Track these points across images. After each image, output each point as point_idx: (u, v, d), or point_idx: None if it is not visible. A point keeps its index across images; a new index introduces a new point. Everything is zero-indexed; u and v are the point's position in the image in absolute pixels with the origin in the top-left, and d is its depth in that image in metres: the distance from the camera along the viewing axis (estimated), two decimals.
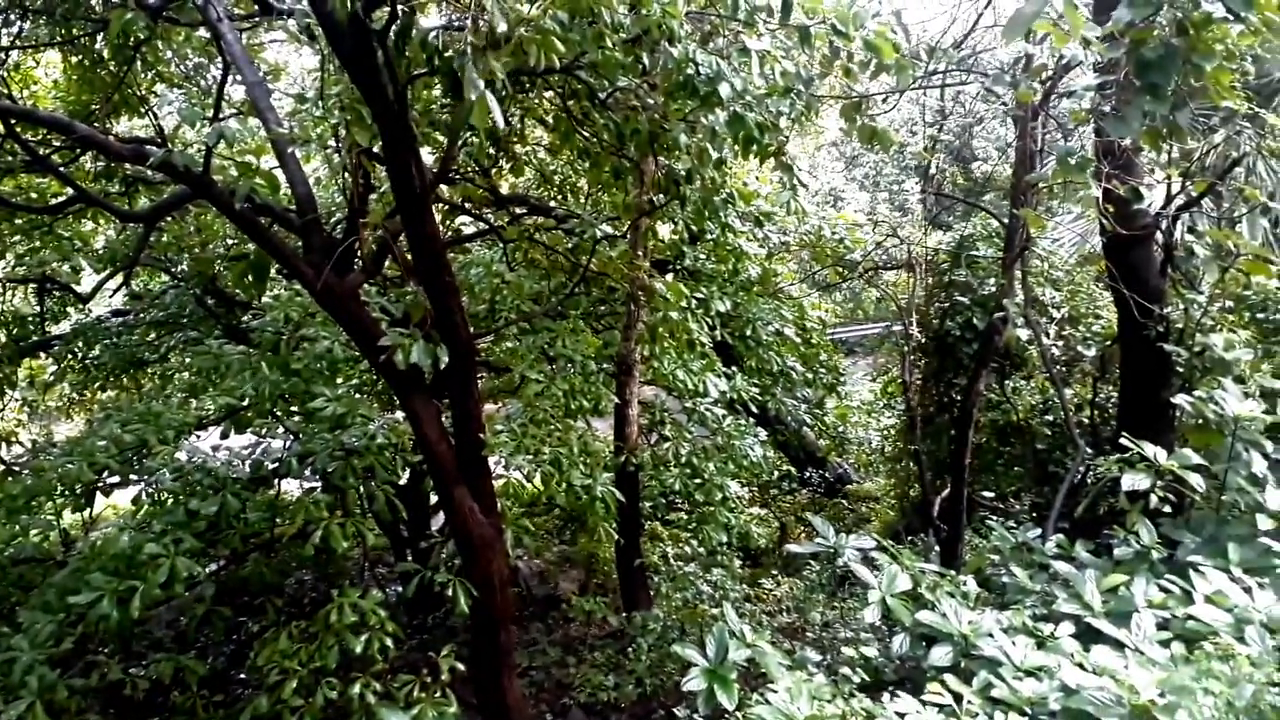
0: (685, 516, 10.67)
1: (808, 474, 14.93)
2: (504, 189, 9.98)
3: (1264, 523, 6.15)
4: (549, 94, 7.55)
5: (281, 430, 7.57)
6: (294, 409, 7.23)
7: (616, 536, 8.98)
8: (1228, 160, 8.18)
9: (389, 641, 5.82)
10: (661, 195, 7.38)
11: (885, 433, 14.39)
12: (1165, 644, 5.07)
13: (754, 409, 10.26)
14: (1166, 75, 5.72)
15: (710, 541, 9.59)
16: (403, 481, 8.15)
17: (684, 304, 8.70)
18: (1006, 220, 8.96)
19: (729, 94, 5.68)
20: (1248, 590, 5.40)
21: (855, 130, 7.31)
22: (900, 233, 12.99)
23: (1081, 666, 4.76)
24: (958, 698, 4.46)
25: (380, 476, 6.68)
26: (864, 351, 17.25)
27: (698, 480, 9.50)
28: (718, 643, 5.16)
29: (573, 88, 6.82)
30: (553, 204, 9.99)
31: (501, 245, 9.29)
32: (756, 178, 11.61)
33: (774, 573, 11.30)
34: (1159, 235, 8.56)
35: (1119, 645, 5.04)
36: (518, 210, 9.58)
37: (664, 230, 9.91)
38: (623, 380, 8.94)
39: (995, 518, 9.30)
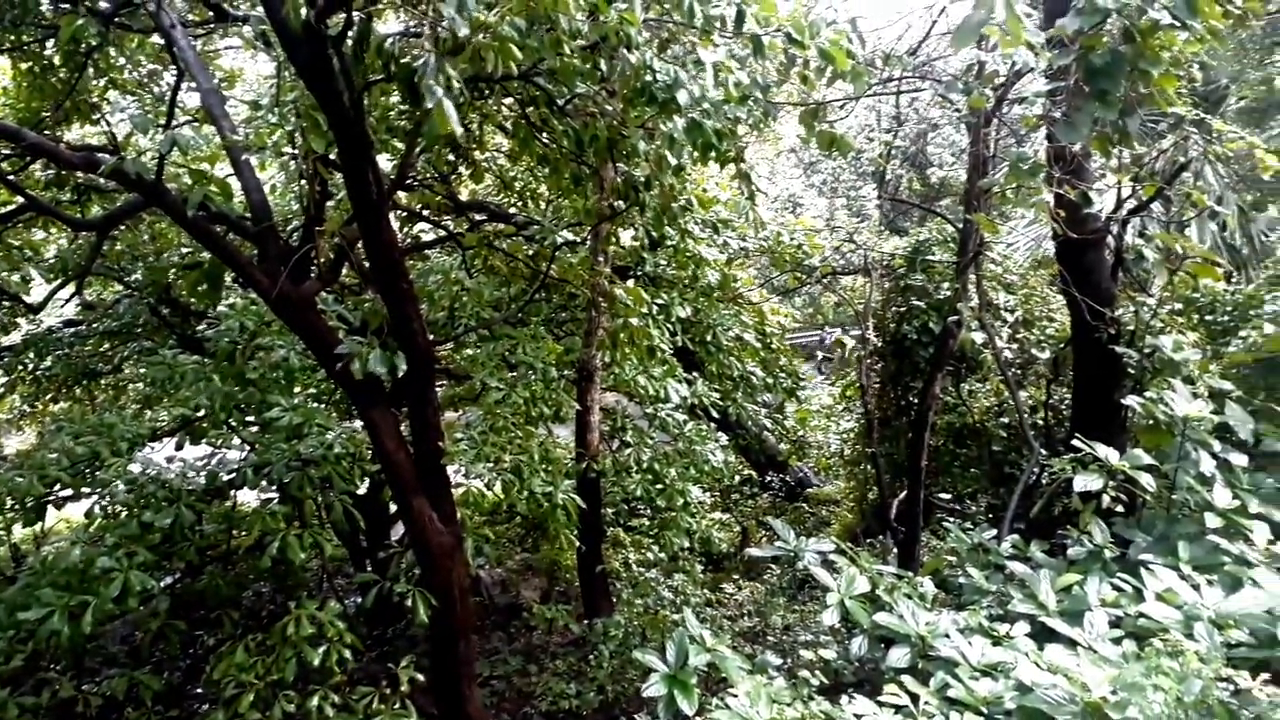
0: (647, 522, 10.71)
1: (769, 478, 15.02)
2: (463, 195, 9.94)
3: (1212, 521, 6.29)
4: (508, 100, 7.54)
5: (237, 441, 7.47)
6: (250, 419, 7.14)
7: (578, 543, 8.98)
8: (1175, 165, 8.34)
9: (347, 653, 5.78)
10: (621, 201, 7.39)
11: (844, 436, 14.51)
12: (1117, 641, 5.18)
13: (715, 414, 10.30)
14: (1115, 81, 5.84)
15: (672, 547, 9.60)
16: (361, 491, 8.08)
17: (645, 310, 8.70)
18: (961, 225, 9.08)
19: (687, 101, 5.70)
20: (1196, 588, 5.52)
21: (813, 136, 7.38)
22: (857, 238, 13.10)
23: (1037, 665, 4.83)
24: (914, 698, 4.51)
25: (338, 486, 6.62)
26: (824, 356, 17.39)
27: (659, 486, 9.50)
28: (678, 648, 5.19)
29: (531, 94, 6.82)
30: (512, 210, 9.97)
31: (461, 252, 9.25)
32: (716, 184, 11.66)
33: (735, 577, 11.34)
34: (1110, 239, 8.72)
35: (1072, 643, 5.14)
36: (477, 217, 9.55)
37: (624, 236, 9.92)
38: (584, 387, 8.94)
39: (952, 519, 9.44)
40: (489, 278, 9.05)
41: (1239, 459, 6.78)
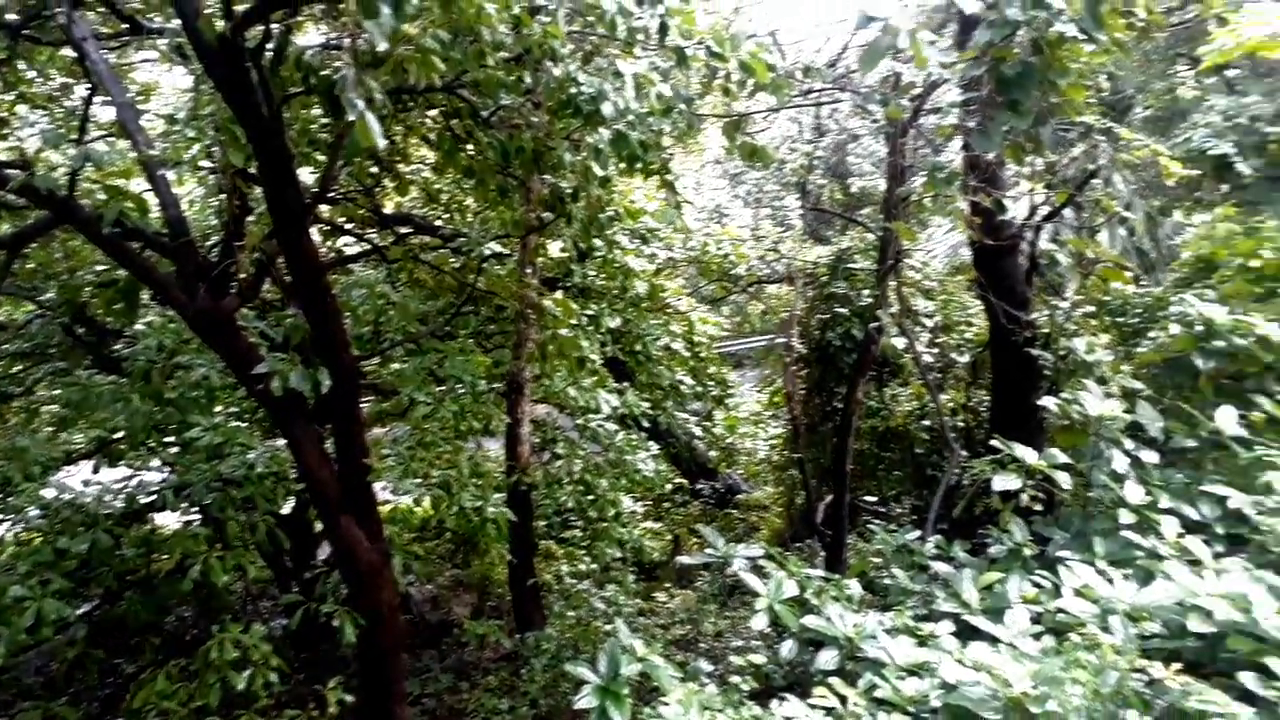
0: (579, 534, 10.70)
1: (699, 486, 15.11)
2: (388, 208, 9.85)
3: (1125, 517, 6.51)
4: (432, 112, 7.51)
5: (156, 462, 7.29)
6: (169, 440, 6.98)
7: (510, 557, 8.94)
8: (1085, 172, 8.63)
9: (274, 676, 5.68)
10: (548, 213, 7.41)
11: (772, 443, 14.68)
12: (1037, 637, 5.33)
13: (646, 424, 10.33)
14: (1026, 92, 6.03)
15: (604, 557, 9.62)
16: (286, 511, 7.95)
17: (574, 321, 8.73)
18: (881, 234, 9.28)
19: (611, 113, 5.75)
20: (1111, 582, 5.70)
21: (736, 148, 7.49)
22: (782, 247, 13.29)
23: (960, 663, 4.94)
24: (843, 700, 4.59)
25: (261, 507, 6.52)
26: (751, 364, 17.56)
27: (591, 497, 9.51)
28: (610, 659, 5.19)
29: (455, 106, 6.81)
30: (439, 223, 9.90)
31: (386, 265, 9.16)
32: (644, 195, 11.74)
33: (667, 585, 11.39)
34: (1024, 245, 9.00)
35: (995, 640, 5.27)
36: (402, 230, 9.47)
37: (552, 248, 9.94)
38: (514, 399, 8.90)
39: (877, 521, 9.60)
40: (415, 291, 8.98)
41: (1150, 456, 7.04)
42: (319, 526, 9.53)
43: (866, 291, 11.78)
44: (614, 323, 10.10)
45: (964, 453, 8.81)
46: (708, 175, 19.18)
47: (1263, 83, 11.63)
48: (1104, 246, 8.88)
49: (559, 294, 9.35)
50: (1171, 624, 5.16)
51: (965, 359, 11.65)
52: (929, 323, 11.65)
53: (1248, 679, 4.45)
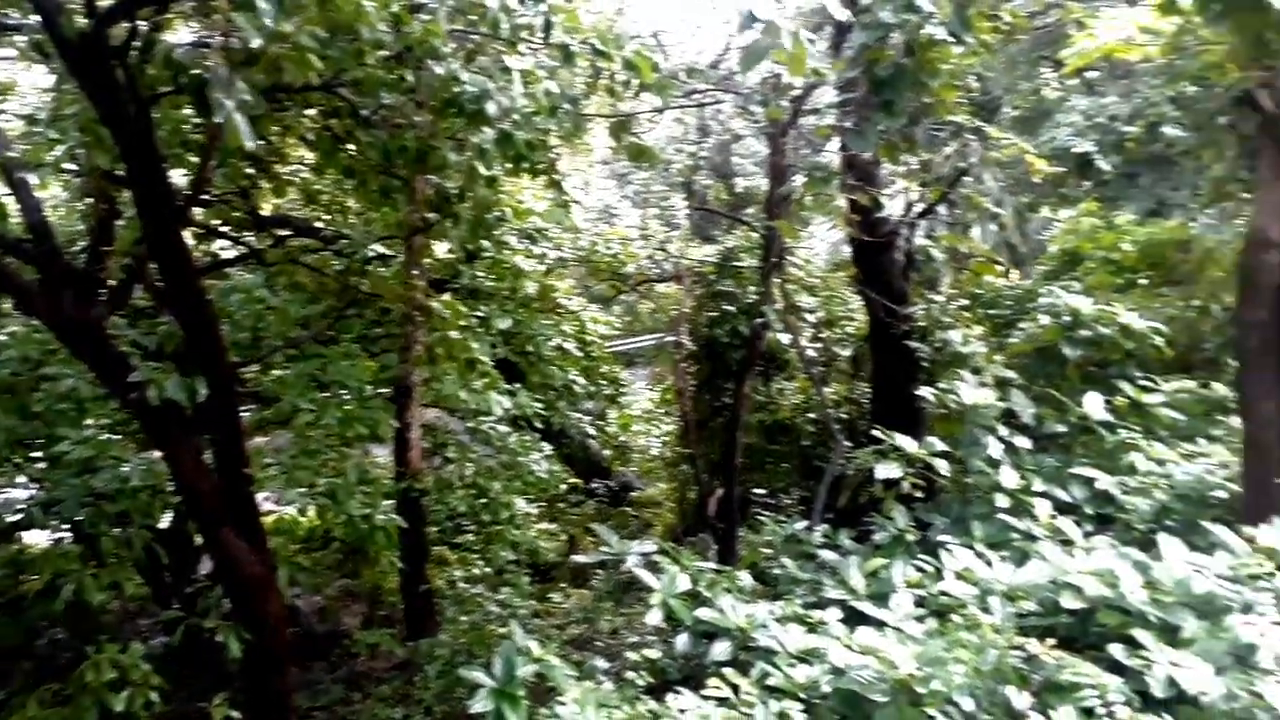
0: (472, 538, 10.57)
1: (594, 485, 15.11)
2: (265, 210, 9.57)
3: (1001, 500, 6.80)
4: (310, 112, 7.33)
5: (23, 479, 6.93)
6: (37, 454, 6.64)
7: (401, 565, 8.79)
8: (957, 171, 8.94)
9: (155, 696, 5.47)
10: (434, 213, 7.31)
11: (665, 439, 14.80)
12: (921, 619, 5.51)
13: (539, 424, 10.30)
14: (899, 92, 6.22)
15: (498, 561, 9.54)
16: (164, 525, 7.64)
17: (463, 323, 8.65)
18: (764, 232, 9.46)
19: (496, 112, 5.73)
20: (990, 564, 5.93)
21: (623, 148, 7.54)
22: (670, 246, 13.41)
23: (849, 648, 5.07)
24: (735, 689, 4.66)
25: (137, 521, 6.28)
26: (643, 362, 17.66)
27: (484, 500, 9.42)
28: (505, 661, 5.17)
29: (334, 105, 6.66)
30: (319, 224, 9.66)
31: (264, 269, 8.89)
32: (532, 195, 11.69)
33: (563, 585, 11.37)
34: (901, 241, 9.30)
35: (881, 624, 5.43)
36: (281, 232, 9.21)
37: (439, 249, 9.81)
38: (402, 404, 8.76)
39: (767, 513, 9.78)
40: (295, 295, 8.73)
41: (1023, 442, 7.37)
42: (200, 540, 9.20)
43: (752, 289, 11.98)
44: (504, 324, 10.02)
45: (848, 443, 9.04)
46: (595, 175, 19.20)
47: (1119, 84, 12.24)
48: (976, 242, 9.23)
49: (447, 295, 9.25)
50: (1046, 602, 5.40)
51: (847, 353, 11.97)
52: (812, 318, 11.92)
53: (1116, 650, 4.70)
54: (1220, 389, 8.08)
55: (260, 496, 6.44)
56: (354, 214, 10.08)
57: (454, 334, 8.51)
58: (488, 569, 9.71)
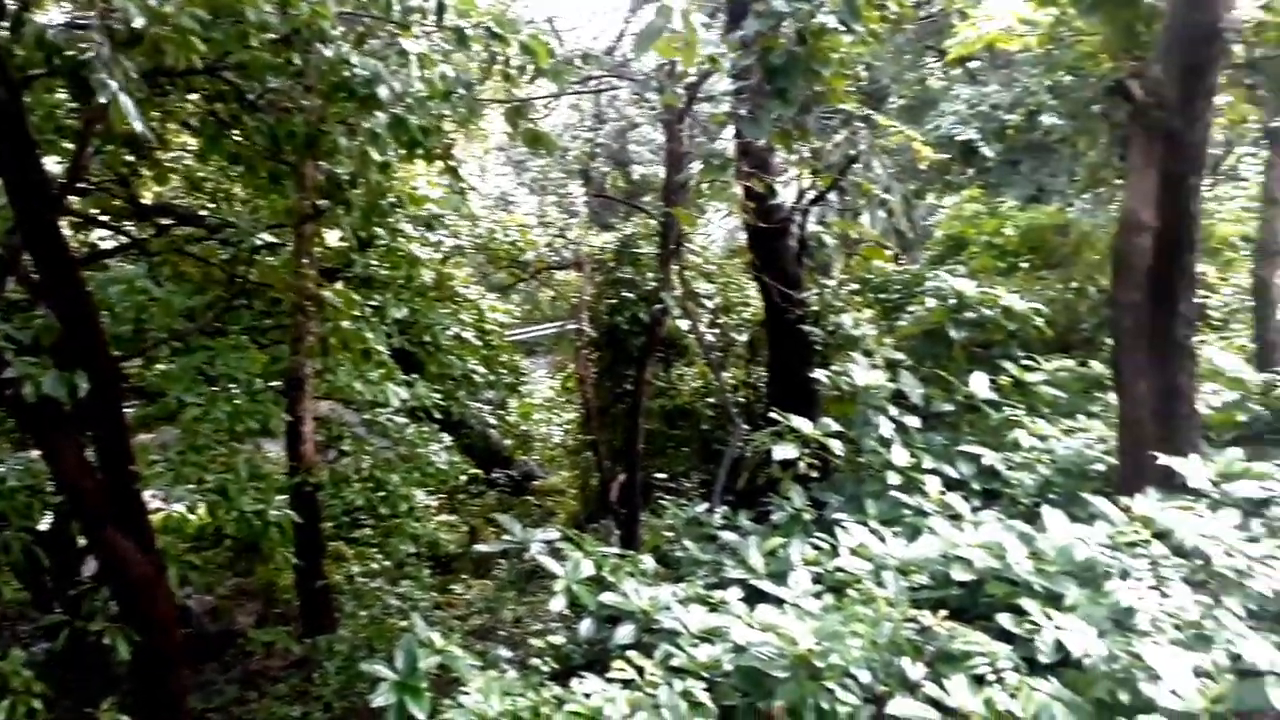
0: (371, 531, 10.40)
1: (495, 475, 15.03)
2: (146, 199, 9.21)
3: (893, 478, 6.99)
4: (193, 96, 7.07)
5: None
6: None
7: (296, 561, 8.60)
8: (847, 158, 9.12)
9: (37, 704, 5.25)
10: (324, 200, 7.15)
11: (566, 427, 14.80)
12: (819, 595, 5.63)
13: (438, 415, 10.18)
14: (792, 80, 6.31)
15: (398, 554, 9.41)
16: (44, 526, 7.32)
17: (357, 312, 8.49)
18: (662, 219, 9.52)
19: (388, 96, 5.64)
20: (883, 540, 6.09)
21: (519, 134, 7.48)
22: (568, 234, 13.39)
23: (750, 626, 5.14)
24: (640, 671, 4.69)
25: (15, 523, 6.01)
26: (543, 350, 17.61)
27: (382, 493, 9.28)
28: (406, 654, 5.09)
29: (219, 89, 6.44)
30: (204, 212, 9.34)
31: (146, 259, 8.55)
32: (427, 182, 11.51)
33: (464, 577, 11.28)
34: (794, 228, 9.46)
35: (780, 602, 5.52)
36: (163, 221, 8.88)
37: (331, 237, 9.59)
38: (294, 396, 8.52)
39: (669, 497, 9.88)
40: (180, 286, 8.43)
41: (913, 421, 7.58)
42: (83, 541, 8.84)
43: (651, 276, 12.06)
44: (400, 313, 9.87)
45: (746, 426, 9.18)
46: (492, 162, 19.02)
47: (1000, 73, 12.70)
48: (866, 228, 9.47)
49: (339, 285, 9.06)
50: (937, 575, 5.56)
51: (744, 338, 12.13)
52: (710, 304, 12.05)
53: (1005, 619, 4.87)
54: (1097, 367, 8.46)
55: (147, 494, 6.22)
56: (241, 202, 9.78)
57: (347, 324, 8.34)
58: (387, 563, 9.56)
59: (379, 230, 9.36)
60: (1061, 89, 10.81)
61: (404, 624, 7.96)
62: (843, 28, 6.40)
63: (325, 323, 8.24)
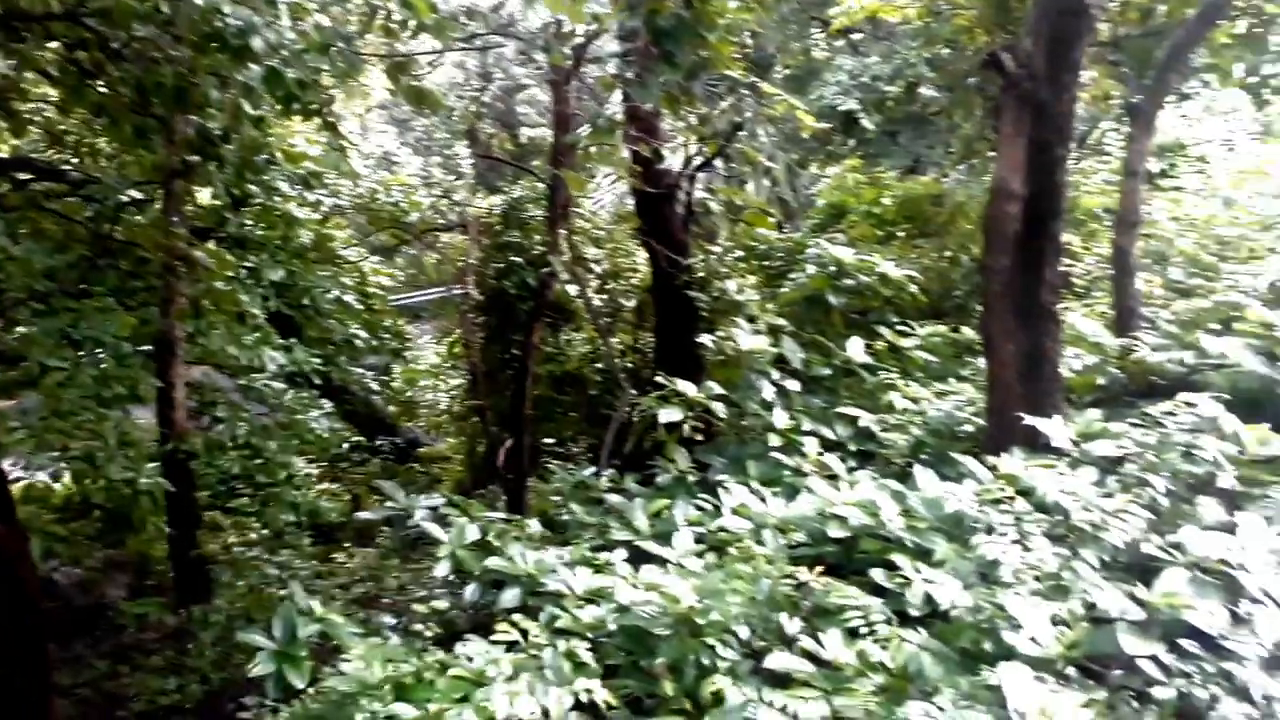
0: (249, 500, 10.13)
1: (379, 442, 14.78)
2: (3, 151, 8.69)
3: (774, 440, 7.16)
4: (53, 44, 6.66)
5: None
6: None
7: (169, 531, 8.33)
8: (733, 125, 9.20)
9: None
10: (195, 156, 6.86)
11: (453, 393, 14.63)
12: (701, 555, 5.74)
13: (317, 381, 9.95)
14: (679, 44, 6.28)
15: (277, 523, 9.20)
16: None
17: (231, 274, 8.22)
18: (550, 182, 9.45)
19: (263, 48, 5.42)
20: (764, 500, 6.23)
21: (401, 91, 7.30)
22: (454, 195, 13.16)
23: (634, 586, 5.21)
24: (525, 633, 4.72)
25: None
26: (429, 315, 17.34)
27: (259, 461, 9.05)
28: (285, 623, 5.01)
29: (81, 36, 6.09)
30: (66, 168, 8.86)
31: (3, 215, 8.06)
32: (306, 139, 11.15)
33: (347, 545, 11.08)
34: (681, 194, 9.52)
35: (664, 562, 5.61)
36: (22, 176, 8.39)
37: (203, 195, 9.23)
38: (164, 361, 8.21)
39: (557, 462, 9.89)
40: (40, 244, 7.98)
41: (794, 385, 7.76)
42: None
43: (539, 240, 11.97)
44: (277, 275, 9.61)
45: (634, 391, 9.25)
46: (375, 120, 18.54)
47: (881, 45, 12.97)
48: (751, 195, 9.60)
49: (212, 244, 8.75)
50: (815, 532, 5.73)
51: (633, 303, 12.17)
52: (598, 269, 12.04)
53: (877, 574, 5.06)
54: (968, 332, 8.78)
55: (6, 463, 5.92)
56: (105, 156, 9.31)
57: (220, 285, 8.06)
58: (266, 532, 9.33)
59: (254, 188, 9.06)
60: (939, 61, 11.11)
61: (283, 593, 7.81)
62: None
63: (197, 284, 7.94)
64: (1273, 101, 10.61)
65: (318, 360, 9.85)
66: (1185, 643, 3.86)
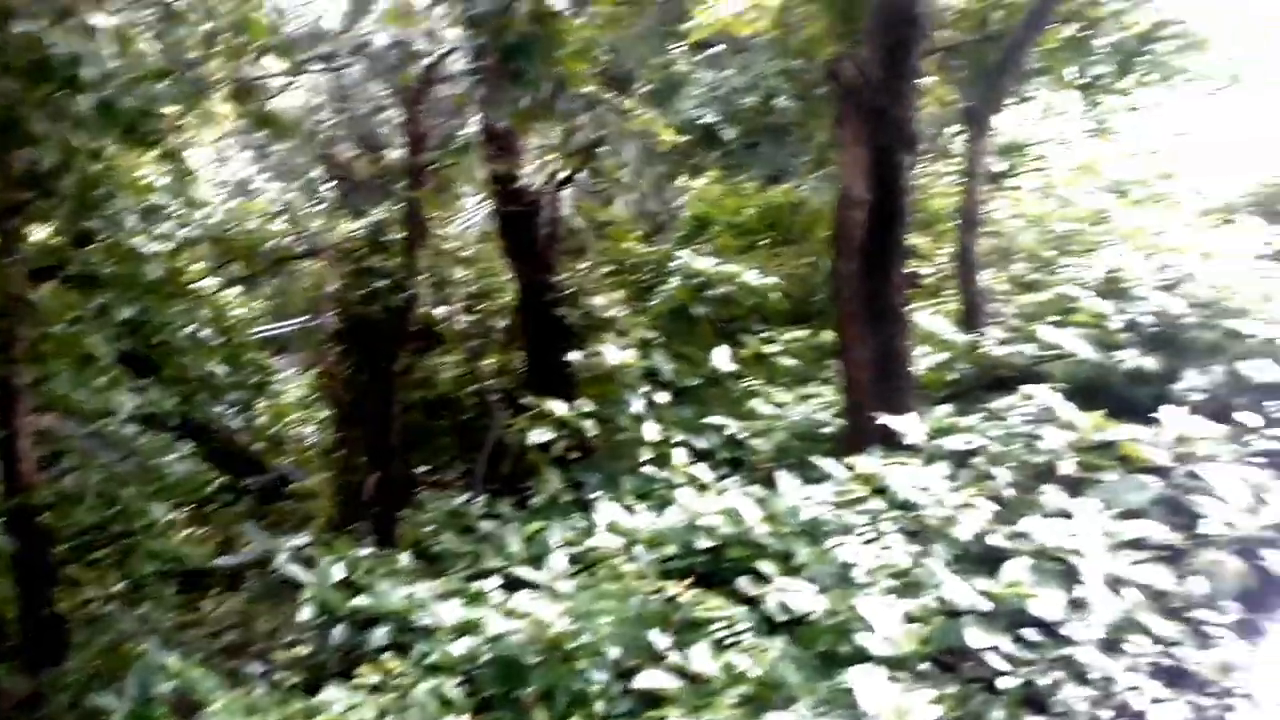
0: (106, 552, 9.65)
1: (247, 481, 14.24)
2: None
3: (645, 453, 7.19)
4: None
5: None
6: None
7: (18, 590, 7.86)
8: (595, 141, 9.23)
9: None
10: (29, 192, 6.55)
11: (322, 426, 14.21)
12: (575, 576, 5.70)
13: (176, 422, 9.54)
14: (529, 61, 6.27)
15: (138, 574, 8.78)
16: None
17: (76, 314, 7.85)
18: (407, 204, 9.30)
19: (95, 76, 5.20)
20: (635, 514, 6.24)
21: (247, 115, 7.11)
22: (315, 222, 12.79)
23: (507, 615, 5.14)
24: (388, 673, 4.60)
25: None
26: (295, 347, 16.80)
27: (116, 510, 8.62)
28: (139, 681, 4.77)
29: None
30: None
31: None
32: (155, 170, 10.74)
33: (216, 591, 10.66)
34: (545, 211, 9.49)
35: (536, 586, 5.56)
36: None
37: (40, 232, 8.77)
38: (7, 409, 7.76)
39: (431, 490, 9.70)
40: None
41: (664, 397, 7.82)
42: None
43: (403, 262, 11.73)
44: (127, 313, 9.19)
45: (507, 412, 9.15)
46: (232, 147, 17.92)
47: (737, 57, 13.18)
48: (617, 210, 9.65)
49: (53, 284, 8.34)
50: (685, 544, 5.75)
51: (504, 323, 12.02)
52: (465, 290, 11.86)
53: (743, 582, 5.11)
54: (828, 336, 8.99)
55: None
56: None
57: (64, 328, 7.69)
58: (124, 585, 8.90)
59: (97, 223, 8.65)
60: (793, 72, 11.37)
61: (144, 648, 7.46)
62: (577, 10, 6.44)
63: (38, 327, 7.56)
64: (1103, 101, 11.23)
65: (175, 400, 9.47)
66: (1028, 632, 4.01)
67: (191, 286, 11.30)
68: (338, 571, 5.86)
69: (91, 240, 9.20)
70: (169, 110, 6.83)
